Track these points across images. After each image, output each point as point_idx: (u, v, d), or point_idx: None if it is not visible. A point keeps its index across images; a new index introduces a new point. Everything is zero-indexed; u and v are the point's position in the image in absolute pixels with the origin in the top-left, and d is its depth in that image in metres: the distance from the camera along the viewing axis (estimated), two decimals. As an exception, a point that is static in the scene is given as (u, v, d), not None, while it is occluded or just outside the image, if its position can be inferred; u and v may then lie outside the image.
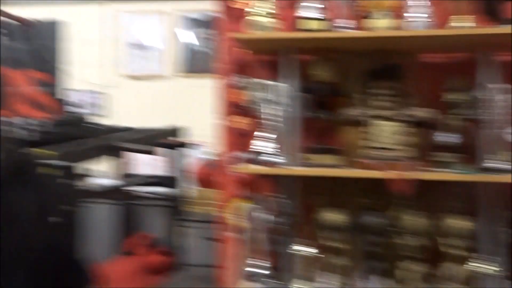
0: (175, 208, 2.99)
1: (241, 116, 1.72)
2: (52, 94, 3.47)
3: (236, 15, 1.68)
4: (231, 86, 1.71)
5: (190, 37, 3.79)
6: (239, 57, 1.71)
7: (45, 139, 1.59)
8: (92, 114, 3.80)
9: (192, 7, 3.76)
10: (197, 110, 3.77)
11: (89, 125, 2.13)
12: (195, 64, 3.77)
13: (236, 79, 1.68)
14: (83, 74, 3.74)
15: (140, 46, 3.84)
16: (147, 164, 3.87)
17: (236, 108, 1.72)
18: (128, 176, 3.24)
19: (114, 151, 2.15)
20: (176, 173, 2.96)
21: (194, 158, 3.77)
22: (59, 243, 0.85)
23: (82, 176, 1.87)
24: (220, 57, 1.76)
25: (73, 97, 3.82)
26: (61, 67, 3.55)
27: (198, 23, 3.78)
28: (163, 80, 3.80)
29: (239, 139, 1.74)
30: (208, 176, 3.24)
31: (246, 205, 1.73)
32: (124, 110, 3.84)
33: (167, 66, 3.79)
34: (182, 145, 2.89)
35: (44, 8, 3.56)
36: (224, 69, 1.76)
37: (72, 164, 1.44)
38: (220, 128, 1.77)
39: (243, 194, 1.73)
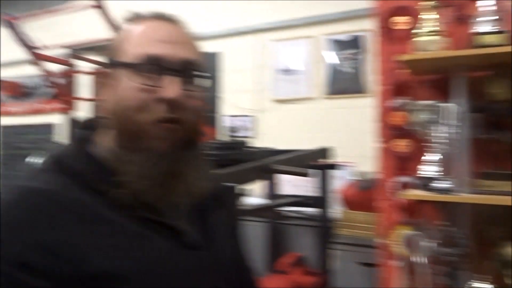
0: (323, 229, 2.98)
1: (403, 138, 1.66)
2: (211, 119, 3.84)
3: (395, 35, 1.65)
4: (391, 108, 1.66)
5: (336, 59, 3.82)
6: (400, 78, 1.65)
7: (215, 161, 1.74)
8: (245, 137, 4.08)
9: (338, 29, 3.80)
10: (344, 131, 3.76)
11: (248, 148, 2.27)
12: (341, 85, 3.78)
13: (396, 101, 1.63)
14: (236, 100, 4.06)
15: (288, 71, 4.01)
16: (296, 184, 3.99)
17: (396, 130, 1.66)
18: (277, 196, 3.35)
19: (270, 173, 2.24)
20: (324, 194, 2.96)
21: (342, 179, 3.74)
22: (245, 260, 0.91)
23: (242, 195, 2.01)
24: (378, 78, 1.72)
25: (229, 122, 4.16)
26: (218, 94, 3.91)
27: (344, 45, 3.79)
28: (310, 103, 3.89)
29: (400, 163, 1.67)
30: (356, 198, 3.18)
31: (408, 232, 1.64)
32: (274, 133, 4.04)
33: (314, 88, 3.88)
34: (331, 166, 2.88)
35: (206, 43, 4.00)
36: (383, 91, 1.72)
37: (239, 185, 1.56)
38: (379, 151, 1.72)
39: (405, 220, 1.65)
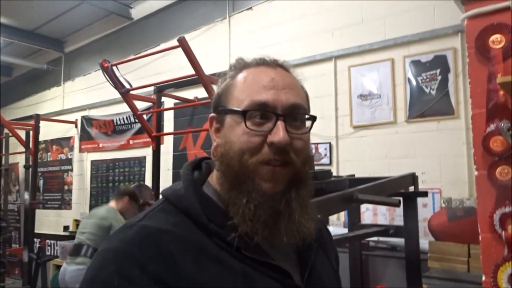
0: (411, 260, 2.80)
1: (504, 165, 1.52)
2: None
3: (490, 55, 1.54)
4: (489, 133, 1.54)
5: (418, 81, 3.67)
6: (497, 100, 1.53)
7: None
8: (324, 165, 4.02)
9: (418, 51, 3.67)
10: (429, 156, 3.56)
11: (333, 177, 2.23)
12: (424, 107, 3.60)
13: (494, 125, 1.51)
14: (315, 127, 4.03)
15: (369, 96, 3.92)
16: (376, 213, 3.83)
17: (497, 156, 1.53)
18: (360, 225, 3.23)
19: (358, 203, 2.17)
20: (411, 223, 2.79)
21: (429, 207, 3.52)
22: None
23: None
24: (473, 101, 1.62)
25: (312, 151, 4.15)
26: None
27: (424, 66, 3.64)
28: (392, 127, 3.75)
29: (501, 192, 1.53)
30: (447, 228, 2.95)
31: (518, 269, 1.48)
32: (354, 160, 3.94)
33: (395, 112, 3.74)
34: (420, 194, 2.72)
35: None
36: (477, 114, 1.61)
37: (325, 216, 1.52)
38: (478, 178, 1.59)
39: (511, 257, 1.50)
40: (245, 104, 0.73)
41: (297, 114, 0.74)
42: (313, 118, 0.77)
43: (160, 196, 0.80)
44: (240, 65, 0.80)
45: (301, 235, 0.73)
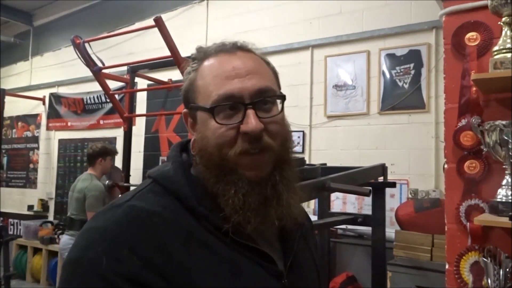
0: (377, 249, 2.89)
1: (472, 160, 1.58)
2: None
3: (465, 52, 1.58)
4: (460, 128, 1.59)
5: (392, 74, 3.74)
6: (469, 96, 1.58)
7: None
8: (300, 153, 4.06)
9: (394, 44, 3.73)
10: (399, 148, 3.65)
11: (307, 166, 2.25)
12: (397, 101, 3.68)
13: (466, 120, 1.56)
14: (288, 115, 4.06)
15: (343, 86, 3.97)
16: (345, 201, 3.91)
17: (465, 151, 1.59)
18: (329, 213, 3.30)
19: (329, 192, 2.21)
20: (379, 213, 2.87)
21: (396, 197, 3.63)
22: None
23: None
24: (445, 96, 1.66)
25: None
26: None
27: (400, 60, 3.71)
28: (365, 118, 3.82)
29: (468, 185, 1.59)
30: (413, 218, 3.05)
31: (478, 259, 1.55)
32: (326, 149, 3.99)
33: (369, 104, 3.81)
34: (389, 184, 2.79)
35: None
36: (450, 109, 1.66)
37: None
38: (447, 172, 1.65)
39: (474, 247, 1.56)
40: (212, 99, 0.72)
41: (265, 98, 0.73)
42: (283, 97, 0.77)
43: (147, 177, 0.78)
44: (200, 56, 0.78)
45: (291, 216, 0.74)
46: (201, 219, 0.70)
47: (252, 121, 0.69)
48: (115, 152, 3.99)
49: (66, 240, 3.69)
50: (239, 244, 0.71)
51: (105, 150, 3.83)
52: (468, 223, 1.51)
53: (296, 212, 0.75)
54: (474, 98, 1.53)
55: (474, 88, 1.51)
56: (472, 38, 1.54)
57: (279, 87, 0.80)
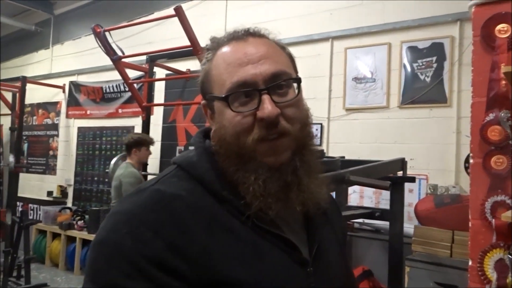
0: (395, 244, 2.86)
1: (499, 155, 1.54)
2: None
3: (494, 45, 1.54)
4: (487, 122, 1.55)
5: (413, 67, 3.67)
6: (498, 90, 1.54)
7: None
8: (317, 146, 4.03)
9: (415, 37, 3.66)
10: (419, 142, 3.60)
11: (326, 158, 2.24)
12: (418, 94, 3.62)
13: (497, 115, 1.52)
14: (310, 107, 4.03)
15: (363, 79, 3.92)
16: (363, 195, 3.88)
17: (493, 146, 1.55)
18: (349, 207, 3.27)
19: (348, 185, 2.19)
20: (397, 208, 2.84)
21: (417, 193, 3.58)
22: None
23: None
24: (473, 89, 1.62)
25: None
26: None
27: (421, 52, 3.64)
28: (385, 112, 3.77)
29: (494, 181, 1.56)
30: (432, 214, 3.01)
31: (503, 256, 1.52)
32: (345, 142, 3.96)
33: (389, 97, 3.75)
34: (409, 179, 2.76)
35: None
36: (477, 103, 1.62)
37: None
38: (473, 167, 1.62)
39: (499, 244, 1.53)
40: (226, 87, 0.71)
41: (280, 82, 0.72)
42: (298, 80, 0.75)
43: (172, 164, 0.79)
44: (214, 46, 0.78)
45: (314, 202, 0.74)
46: (224, 204, 0.71)
47: (268, 107, 0.69)
48: (150, 142, 4.05)
49: None
50: (262, 229, 0.70)
51: (140, 141, 3.92)
52: (493, 220, 1.48)
53: (319, 197, 0.75)
54: (504, 92, 1.49)
55: (503, 82, 1.47)
56: (503, 30, 1.49)
57: (296, 71, 0.79)
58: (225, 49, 0.75)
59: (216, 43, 0.78)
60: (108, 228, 0.67)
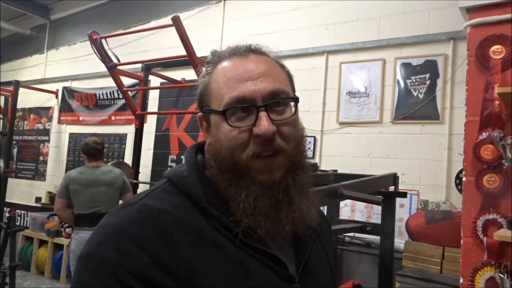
0: (385, 258, 2.87)
1: (491, 174, 1.56)
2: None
3: (488, 65, 1.57)
4: (480, 141, 1.57)
5: (407, 83, 3.72)
6: (491, 109, 1.57)
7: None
8: (310, 159, 4.05)
9: (410, 54, 3.71)
10: (411, 158, 3.63)
11: (319, 172, 2.24)
12: (411, 110, 3.66)
13: (490, 134, 1.54)
14: (303, 120, 4.05)
15: (357, 94, 3.95)
16: (354, 209, 3.89)
17: (485, 164, 1.57)
18: (340, 221, 3.28)
19: (340, 199, 2.20)
20: (388, 222, 2.86)
21: (408, 208, 3.60)
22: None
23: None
24: (467, 108, 1.65)
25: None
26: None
27: (415, 69, 3.69)
28: (377, 126, 3.80)
29: (486, 199, 1.58)
30: (424, 230, 3.02)
31: (494, 275, 1.53)
32: (337, 155, 3.98)
33: (382, 112, 3.79)
34: (400, 194, 2.78)
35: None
36: (470, 122, 1.64)
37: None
38: (465, 185, 1.63)
39: (490, 262, 1.55)
40: (224, 102, 0.72)
41: (278, 100, 0.72)
42: (296, 99, 0.76)
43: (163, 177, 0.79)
44: (214, 60, 0.78)
45: (303, 222, 0.74)
46: (212, 220, 0.71)
47: (264, 123, 0.69)
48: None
49: None
50: (249, 246, 0.70)
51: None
52: (485, 238, 1.49)
53: (309, 217, 0.75)
54: (497, 112, 1.52)
55: (497, 102, 1.50)
56: (497, 51, 1.52)
57: (293, 90, 0.80)
58: (226, 63, 0.76)
59: (217, 57, 0.78)
60: (94, 241, 0.67)
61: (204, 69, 0.79)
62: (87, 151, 3.75)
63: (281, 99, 0.73)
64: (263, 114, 0.70)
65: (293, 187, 0.72)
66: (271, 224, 0.70)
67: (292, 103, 0.76)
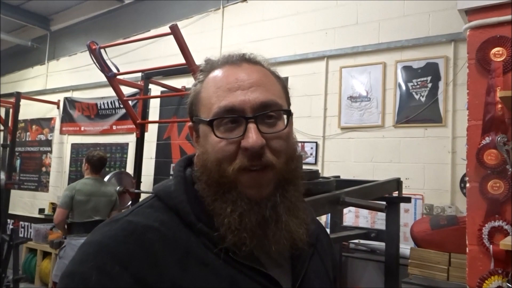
0: (391, 265, 2.82)
1: (496, 179, 1.52)
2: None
3: (490, 68, 1.53)
4: (483, 146, 1.53)
5: (408, 87, 3.68)
6: (494, 113, 1.52)
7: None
8: (312, 165, 4.01)
9: (410, 56, 3.68)
10: (415, 162, 3.58)
11: (321, 179, 2.21)
12: (413, 113, 3.62)
13: (493, 139, 1.50)
14: (301, 125, 4.02)
15: (358, 98, 3.92)
16: (358, 215, 3.84)
17: (490, 170, 1.53)
18: (344, 228, 3.23)
19: (343, 206, 2.16)
20: (393, 228, 2.81)
21: (412, 213, 3.55)
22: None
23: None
24: (468, 112, 1.61)
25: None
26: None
27: (416, 72, 3.65)
28: (379, 131, 3.76)
29: (491, 206, 1.53)
30: (429, 236, 2.97)
31: (502, 284, 1.49)
32: (339, 161, 3.93)
33: (384, 116, 3.75)
34: (404, 199, 2.73)
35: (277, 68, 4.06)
36: (473, 126, 1.60)
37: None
38: (469, 191, 1.59)
39: (497, 271, 1.50)
40: (213, 111, 0.69)
41: (269, 112, 0.69)
42: (288, 112, 0.73)
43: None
44: (207, 68, 0.75)
45: (291, 242, 0.70)
46: (200, 237, 0.68)
47: (252, 136, 0.66)
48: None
49: None
50: (240, 263, 0.67)
51: None
52: (491, 246, 1.45)
53: (297, 237, 0.71)
54: (499, 116, 1.47)
55: (499, 105, 1.46)
56: (498, 53, 1.49)
57: (288, 101, 0.76)
58: (217, 72, 0.73)
59: (210, 65, 0.75)
60: (76, 259, 0.65)
61: (197, 77, 0.77)
62: (93, 163, 3.92)
63: (272, 111, 0.69)
64: (251, 126, 0.67)
65: (281, 204, 0.69)
66: (257, 242, 0.67)
67: (285, 116, 0.72)
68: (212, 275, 0.65)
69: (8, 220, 5.91)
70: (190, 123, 0.77)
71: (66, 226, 3.80)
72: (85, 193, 3.77)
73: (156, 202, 0.72)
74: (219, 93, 0.70)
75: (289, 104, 0.77)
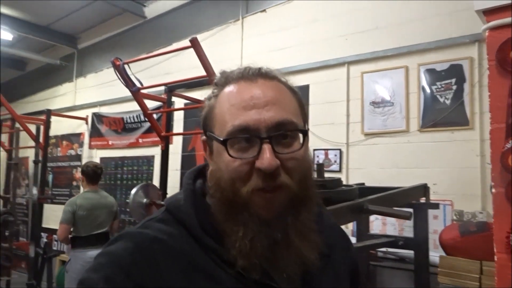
0: (420, 274, 2.73)
1: (523, 183, 1.45)
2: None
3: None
4: (510, 150, 1.47)
5: (432, 90, 3.60)
6: (518, 115, 1.47)
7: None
8: (337, 172, 3.97)
9: (433, 59, 3.60)
10: (441, 166, 3.49)
11: (344, 187, 2.17)
12: (438, 117, 3.53)
13: (516, 142, 1.44)
14: (324, 133, 4.00)
15: (381, 103, 3.86)
16: (391, 223, 3.76)
17: (515, 174, 1.47)
18: (371, 236, 3.17)
19: (368, 214, 2.12)
20: (421, 236, 2.73)
21: (442, 220, 3.45)
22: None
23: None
24: (495, 116, 1.55)
25: (314, 156, 4.08)
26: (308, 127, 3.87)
27: (440, 75, 3.57)
28: (404, 136, 3.68)
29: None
30: (458, 243, 2.87)
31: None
32: (364, 168, 3.88)
33: (408, 121, 3.67)
34: (431, 205, 2.66)
35: (299, 76, 4.08)
36: (496, 129, 1.55)
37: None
38: (495, 196, 1.53)
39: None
40: (227, 130, 0.68)
41: (284, 131, 0.68)
42: (304, 132, 0.71)
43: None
44: (222, 82, 0.74)
45: (301, 265, 0.69)
46: (207, 250, 0.68)
47: (267, 157, 0.65)
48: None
49: None
50: (250, 279, 0.67)
51: None
52: (520, 253, 1.39)
53: (310, 261, 0.70)
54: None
55: (522, 107, 1.41)
56: (519, 53, 1.44)
57: (304, 117, 0.75)
58: (232, 87, 0.72)
59: (224, 79, 0.74)
60: (91, 268, 0.68)
61: (212, 91, 0.76)
62: (88, 174, 4.04)
63: (288, 131, 0.68)
64: (266, 147, 0.66)
65: (292, 225, 0.68)
66: (267, 266, 0.67)
67: (301, 135, 0.71)
68: None
69: (42, 234, 6.09)
70: (203, 137, 0.77)
71: (71, 239, 3.88)
72: (87, 208, 3.87)
73: (166, 215, 0.74)
74: (233, 110, 0.69)
75: (305, 120, 0.75)
